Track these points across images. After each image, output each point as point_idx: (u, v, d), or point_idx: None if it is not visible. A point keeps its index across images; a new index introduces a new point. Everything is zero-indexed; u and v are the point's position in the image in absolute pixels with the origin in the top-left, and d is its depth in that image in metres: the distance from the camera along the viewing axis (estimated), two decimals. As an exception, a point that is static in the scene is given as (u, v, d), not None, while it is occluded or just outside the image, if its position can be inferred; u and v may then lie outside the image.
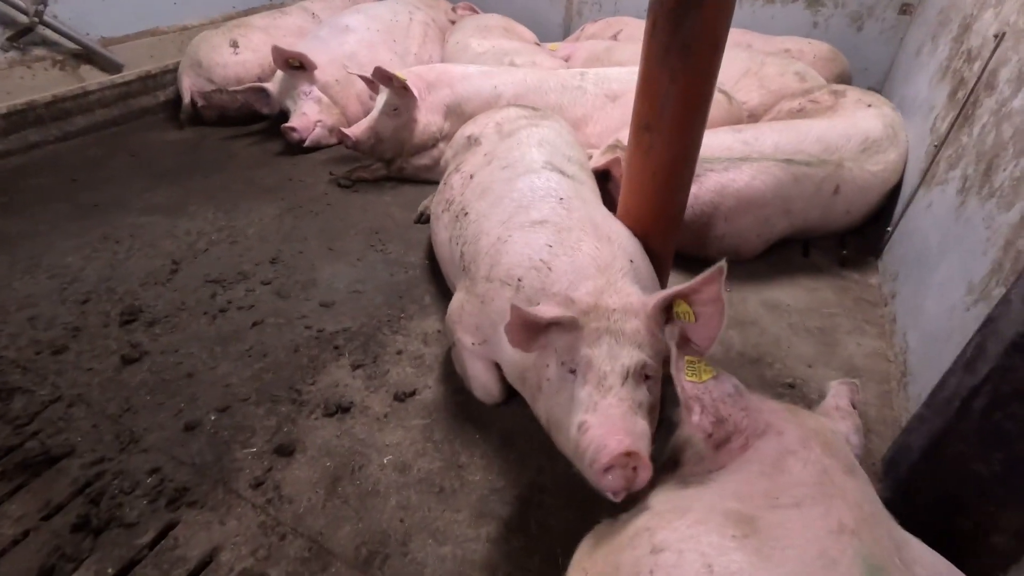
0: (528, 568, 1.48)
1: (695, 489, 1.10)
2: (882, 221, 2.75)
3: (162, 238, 2.70)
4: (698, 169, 1.99)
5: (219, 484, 1.65)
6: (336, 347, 2.13)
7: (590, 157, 2.54)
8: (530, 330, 1.38)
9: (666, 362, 1.36)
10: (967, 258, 1.82)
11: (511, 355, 1.60)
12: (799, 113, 2.94)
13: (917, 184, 2.47)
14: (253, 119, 3.86)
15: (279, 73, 3.57)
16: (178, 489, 1.62)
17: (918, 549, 1.04)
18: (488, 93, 3.16)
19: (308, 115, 3.53)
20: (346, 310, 2.32)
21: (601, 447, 1.20)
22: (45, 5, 3.35)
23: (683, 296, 1.34)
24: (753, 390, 1.24)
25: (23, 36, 3.37)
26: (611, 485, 1.18)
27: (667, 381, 1.35)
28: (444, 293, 2.37)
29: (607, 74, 3.23)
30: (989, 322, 1.28)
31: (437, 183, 2.47)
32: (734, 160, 2.47)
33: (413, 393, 1.96)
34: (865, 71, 3.96)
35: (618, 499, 1.19)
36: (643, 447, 1.21)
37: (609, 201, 2.12)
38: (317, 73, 3.53)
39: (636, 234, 1.79)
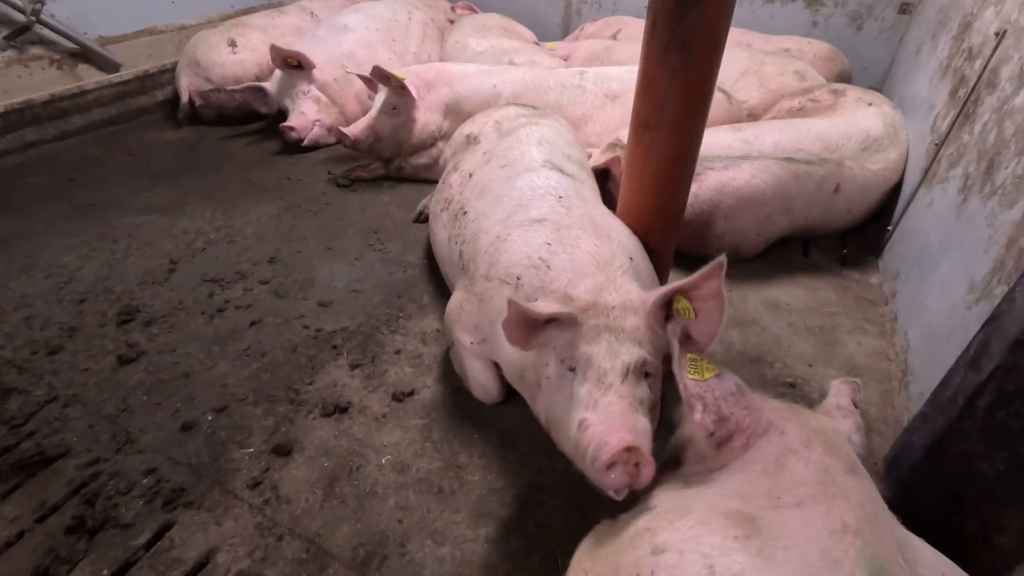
0: (527, 568, 1.47)
1: (696, 489, 1.09)
2: (883, 220, 2.75)
3: (159, 237, 2.69)
4: (698, 167, 1.98)
5: (216, 485, 1.63)
6: (334, 347, 2.12)
7: (589, 156, 2.53)
8: (529, 327, 1.37)
9: (667, 360, 1.35)
10: (968, 256, 1.81)
11: (510, 354, 1.59)
12: (799, 112, 2.93)
13: (918, 183, 2.46)
14: (251, 118, 3.85)
15: (277, 72, 3.56)
16: (174, 490, 1.61)
17: (921, 549, 1.04)
18: (487, 92, 3.15)
19: (306, 114, 3.52)
20: (344, 309, 2.30)
21: (602, 444, 1.18)
22: (43, 4, 3.34)
23: (683, 292, 1.33)
24: (754, 389, 1.22)
25: (20, 35, 3.36)
26: (613, 483, 1.16)
27: (667, 379, 1.35)
28: (443, 292, 2.36)
29: (606, 73, 3.22)
30: (993, 319, 1.28)
31: (436, 182, 2.46)
32: (734, 158, 2.46)
33: (412, 393, 1.95)
34: (865, 70, 3.96)
35: (620, 497, 1.17)
36: (644, 443, 1.20)
37: (609, 200, 2.11)
38: (315, 72, 3.52)
39: (636, 233, 1.78)
